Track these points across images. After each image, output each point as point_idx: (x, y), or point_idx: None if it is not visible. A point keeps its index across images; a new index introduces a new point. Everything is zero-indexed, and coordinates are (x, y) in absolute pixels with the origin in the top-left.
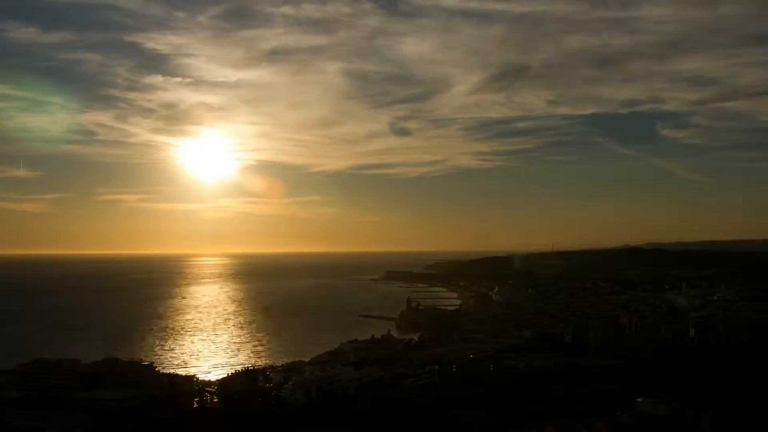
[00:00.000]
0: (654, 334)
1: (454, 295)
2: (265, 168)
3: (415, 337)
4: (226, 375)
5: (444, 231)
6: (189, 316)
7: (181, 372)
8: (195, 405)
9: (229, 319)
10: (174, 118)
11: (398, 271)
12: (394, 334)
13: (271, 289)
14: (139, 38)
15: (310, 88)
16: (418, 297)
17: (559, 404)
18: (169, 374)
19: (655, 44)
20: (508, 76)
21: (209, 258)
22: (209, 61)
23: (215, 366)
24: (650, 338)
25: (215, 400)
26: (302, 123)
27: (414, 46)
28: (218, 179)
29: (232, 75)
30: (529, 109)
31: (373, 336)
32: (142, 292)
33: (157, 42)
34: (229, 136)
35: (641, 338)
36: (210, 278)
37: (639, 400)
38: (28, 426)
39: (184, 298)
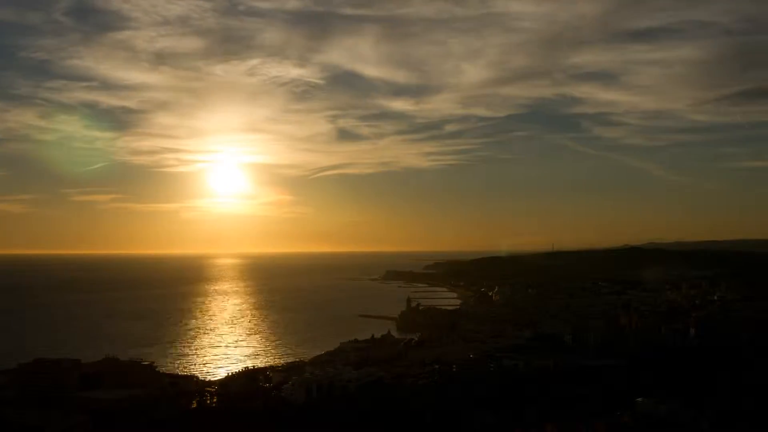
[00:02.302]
0: (654, 334)
1: (454, 295)
2: (227, 168)
3: (415, 337)
4: (226, 375)
5: (433, 231)
6: (186, 316)
7: (181, 372)
8: (195, 405)
9: (227, 320)
10: (96, 117)
11: (398, 271)
12: (394, 334)
13: (269, 290)
14: (12, 44)
15: (220, 91)
16: (418, 297)
17: (559, 404)
18: (169, 374)
19: (537, 42)
20: (405, 80)
21: (203, 259)
22: (99, 62)
23: (215, 366)
24: (650, 338)
25: (215, 400)
26: (241, 124)
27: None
28: (183, 180)
29: (135, 78)
30: (444, 112)
31: (373, 336)
32: (135, 291)
33: (30, 50)
34: (161, 138)
35: (641, 338)
36: (207, 279)
37: (639, 400)
38: (28, 426)
39: (179, 298)
